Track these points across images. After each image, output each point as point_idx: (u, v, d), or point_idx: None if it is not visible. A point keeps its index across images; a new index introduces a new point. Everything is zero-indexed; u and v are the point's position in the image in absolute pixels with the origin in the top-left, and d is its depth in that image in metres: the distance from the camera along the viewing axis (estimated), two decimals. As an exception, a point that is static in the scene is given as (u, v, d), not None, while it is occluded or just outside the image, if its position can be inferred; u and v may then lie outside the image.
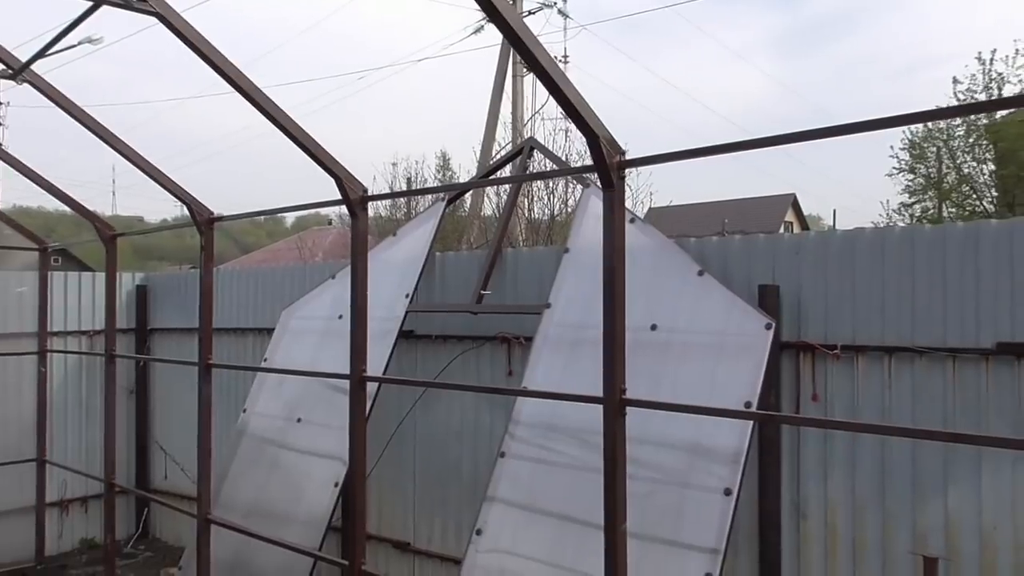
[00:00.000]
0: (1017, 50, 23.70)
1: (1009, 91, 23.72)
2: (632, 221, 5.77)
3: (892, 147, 25.81)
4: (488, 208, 19.58)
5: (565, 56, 23.43)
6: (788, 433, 4.98)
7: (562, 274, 5.88)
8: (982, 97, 23.83)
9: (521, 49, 2.99)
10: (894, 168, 25.56)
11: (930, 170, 25.34)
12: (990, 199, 24.30)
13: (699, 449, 4.75)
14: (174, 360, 9.19)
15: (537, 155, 7.20)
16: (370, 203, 5.22)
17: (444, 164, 28.73)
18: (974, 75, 24.21)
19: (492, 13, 2.86)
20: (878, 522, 4.61)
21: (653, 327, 5.27)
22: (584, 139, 3.51)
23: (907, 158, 25.30)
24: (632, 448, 4.99)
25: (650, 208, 56.51)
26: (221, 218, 6.44)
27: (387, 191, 21.57)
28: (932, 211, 25.12)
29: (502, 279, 6.46)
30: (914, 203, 25.37)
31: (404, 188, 21.68)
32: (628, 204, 4.17)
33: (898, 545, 4.54)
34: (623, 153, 3.57)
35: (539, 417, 5.49)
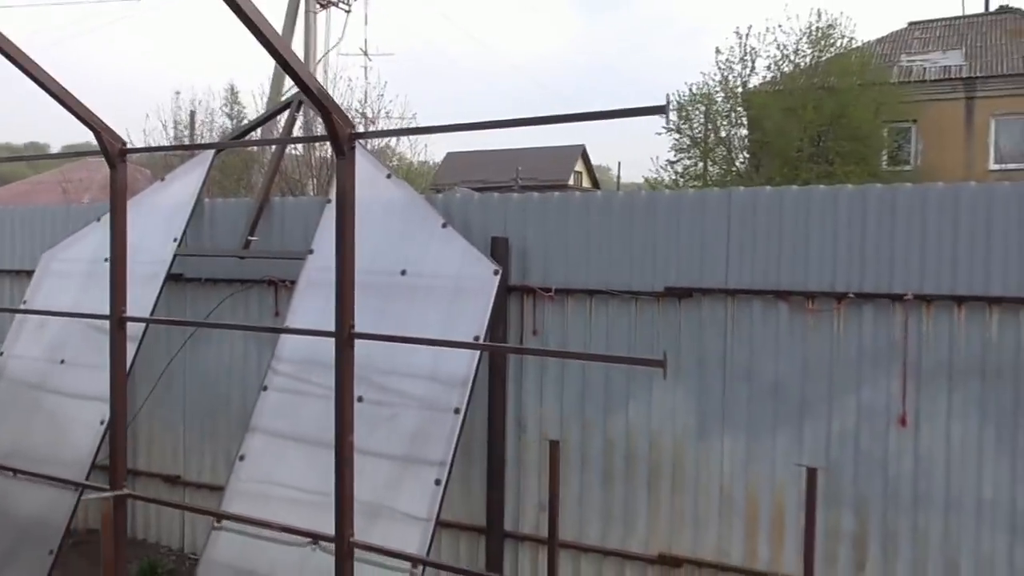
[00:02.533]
0: (767, 27, 26.23)
1: (760, 64, 26.44)
2: (389, 177, 6.44)
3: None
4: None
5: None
6: (514, 361, 5.88)
7: (324, 222, 6.43)
8: (738, 68, 26.38)
9: (252, 28, 3.43)
10: (663, 127, 27.74)
11: (695, 131, 27.68)
12: (742, 160, 27.02)
13: (437, 376, 5.54)
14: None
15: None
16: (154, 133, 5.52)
17: (233, 98, 27.79)
18: (732, 47, 26.71)
19: None
20: (579, 431, 5.63)
21: (403, 272, 5.98)
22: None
23: (675, 119, 27.49)
24: (382, 378, 5.76)
25: (448, 153, 56.94)
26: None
27: (170, 124, 21.20)
28: (693, 168, 27.55)
29: (270, 226, 6.92)
30: (678, 160, 27.72)
31: (188, 120, 21.34)
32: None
33: (594, 448, 5.58)
34: (353, 127, 4.20)
35: (299, 353, 6.08)
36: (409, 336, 5.01)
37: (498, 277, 5.61)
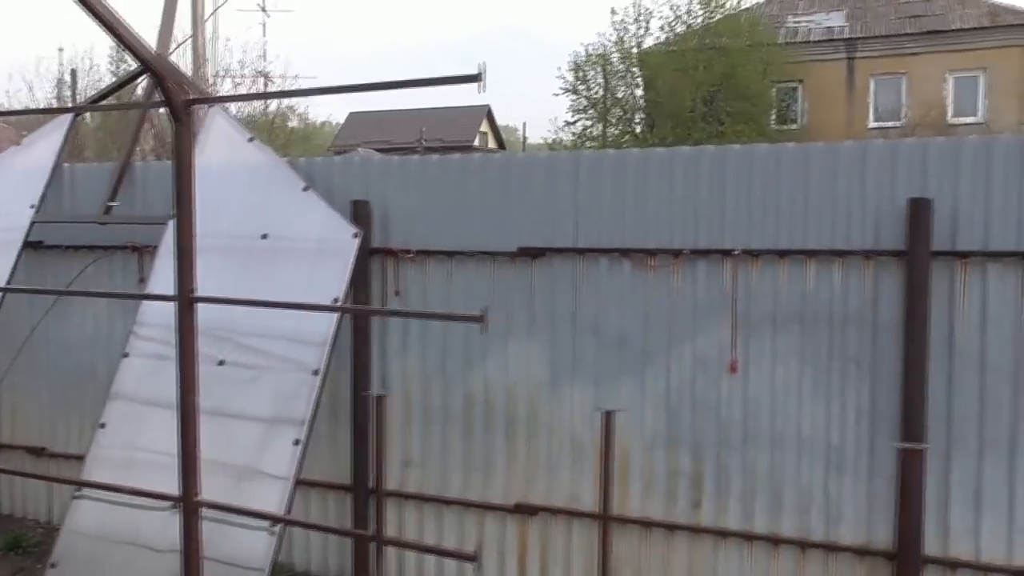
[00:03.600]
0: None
1: (655, 25, 26.92)
2: (251, 140, 6.45)
3: (559, 68, 28.21)
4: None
5: None
6: (378, 321, 6.02)
7: (187, 188, 6.39)
8: (633, 29, 26.81)
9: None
10: (560, 88, 28.01)
11: (591, 92, 28.04)
12: (638, 121, 27.57)
13: (299, 338, 5.64)
14: None
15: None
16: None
17: (120, 56, 26.72)
18: (627, 8, 27.12)
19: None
20: (441, 388, 5.83)
21: (264, 236, 6.02)
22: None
23: (572, 80, 27.80)
24: (246, 340, 5.82)
25: (351, 113, 55.71)
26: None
27: (51, 84, 20.49)
28: (591, 128, 27.97)
29: (133, 191, 6.83)
30: (576, 121, 28.10)
31: (70, 79, 20.59)
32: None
33: (455, 403, 5.80)
34: (188, 93, 4.21)
35: (161, 318, 6.06)
36: (255, 299, 5.07)
37: (358, 240, 5.71)
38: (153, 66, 3.98)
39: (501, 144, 59.69)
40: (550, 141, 29.02)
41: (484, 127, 56.83)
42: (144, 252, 6.73)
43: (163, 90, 4.09)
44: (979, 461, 4.77)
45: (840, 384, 4.99)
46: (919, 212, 4.72)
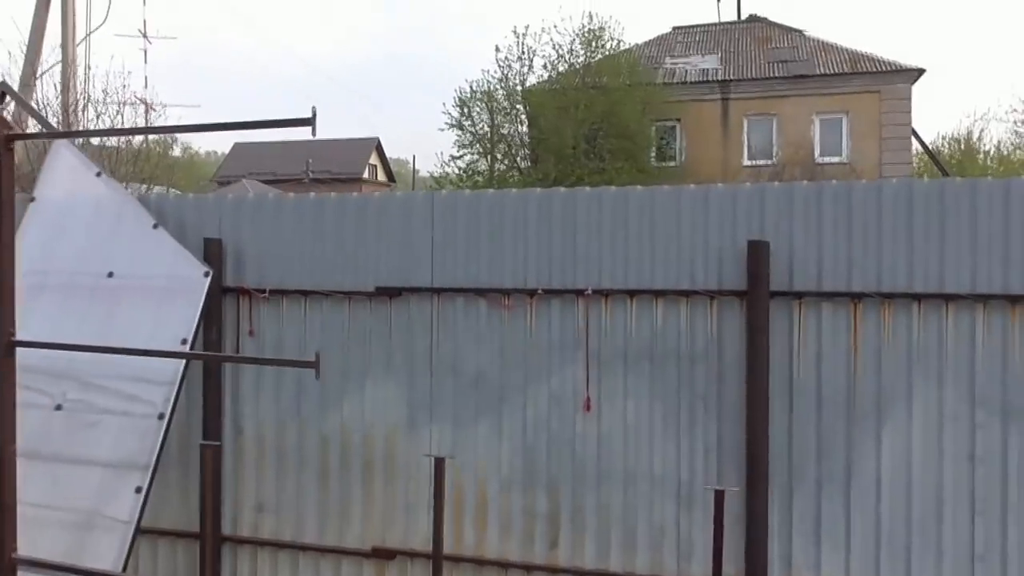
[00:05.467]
0: (543, 28, 27.26)
1: (538, 63, 27.42)
2: (99, 175, 6.19)
3: (444, 104, 28.41)
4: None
5: None
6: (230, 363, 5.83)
7: (27, 221, 6.08)
8: (517, 66, 27.26)
9: None
10: (446, 123, 28.14)
11: (477, 128, 28.27)
12: (523, 156, 27.94)
13: (144, 376, 5.39)
14: None
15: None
16: None
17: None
18: (510, 46, 27.53)
19: None
20: (295, 430, 5.69)
21: (110, 274, 5.76)
22: None
23: (457, 115, 27.97)
24: (88, 380, 5.54)
25: (235, 144, 54.44)
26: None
27: None
28: (477, 163, 28.16)
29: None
30: (462, 155, 28.24)
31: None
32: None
33: (310, 446, 5.65)
34: (10, 127, 4.01)
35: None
36: (87, 344, 4.84)
37: (208, 278, 5.54)
38: (-30, 99, 3.78)
39: (391, 176, 59.51)
40: (437, 175, 29.07)
41: (374, 159, 56.57)
42: (-19, 291, 6.34)
43: (-19, 125, 3.88)
44: (818, 493, 4.97)
45: (689, 421, 5.12)
46: (758, 254, 4.91)
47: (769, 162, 27.56)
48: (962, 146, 39.24)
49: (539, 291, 5.25)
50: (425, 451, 5.46)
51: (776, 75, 27.88)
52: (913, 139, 27.07)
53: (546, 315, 5.28)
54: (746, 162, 28.40)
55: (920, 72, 26.43)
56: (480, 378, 5.39)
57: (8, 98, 6.91)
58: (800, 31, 30.23)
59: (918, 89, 26.88)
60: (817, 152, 27.25)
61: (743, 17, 32.28)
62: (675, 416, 5.13)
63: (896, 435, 4.83)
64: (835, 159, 26.95)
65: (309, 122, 3.40)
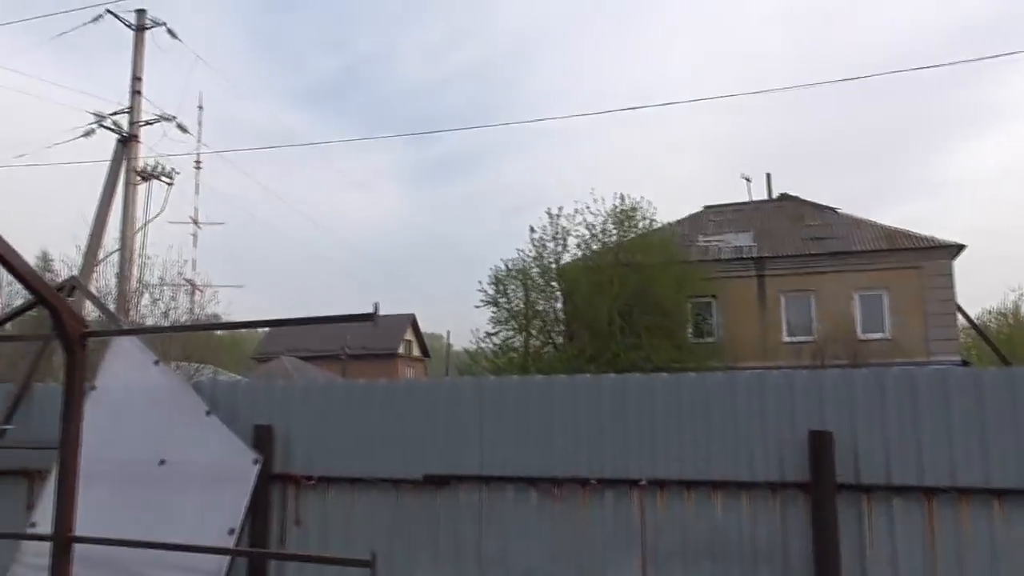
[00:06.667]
0: (576, 209, 28.07)
1: (572, 243, 28.08)
2: (157, 363, 6.32)
3: (480, 281, 29.01)
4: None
5: (197, 163, 23.18)
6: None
7: (87, 410, 6.16)
8: (551, 245, 27.95)
9: None
10: (482, 301, 28.59)
11: (512, 304, 28.67)
12: (558, 331, 28.12)
13: (189, 566, 5.29)
14: None
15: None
16: None
17: (45, 265, 26.62)
18: (544, 226, 28.34)
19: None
20: (339, 628, 5.45)
21: (162, 462, 5.79)
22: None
23: (492, 292, 28.48)
24: (135, 568, 5.44)
25: (270, 331, 55.07)
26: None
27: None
28: (512, 339, 28.32)
29: (30, 413, 6.57)
30: (498, 331, 28.47)
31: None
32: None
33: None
34: (86, 325, 4.16)
35: (45, 548, 5.65)
36: (137, 540, 4.80)
37: (258, 466, 5.53)
38: (47, 298, 3.94)
39: (425, 351, 60.04)
40: (472, 351, 29.22)
41: (409, 335, 57.32)
42: (35, 477, 6.38)
43: (56, 323, 4.03)
44: None
45: (755, 623, 4.84)
46: (821, 444, 4.79)
47: (809, 338, 27.34)
48: (1010, 320, 38.88)
49: (592, 481, 5.13)
50: (474, 652, 5.20)
51: (812, 252, 28.17)
52: (958, 313, 26.83)
53: (599, 506, 5.14)
54: (785, 338, 28.21)
55: (960, 248, 26.46)
56: (530, 573, 5.19)
57: (77, 291, 7.21)
58: (833, 208, 30.80)
59: (959, 264, 26.90)
60: (859, 328, 27.03)
61: (774, 196, 33.09)
62: (738, 617, 4.85)
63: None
64: (877, 335, 26.67)
65: (370, 317, 3.51)
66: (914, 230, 27.74)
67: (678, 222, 31.61)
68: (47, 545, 5.82)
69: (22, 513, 6.38)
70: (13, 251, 3.66)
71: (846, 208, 30.76)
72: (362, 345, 49.23)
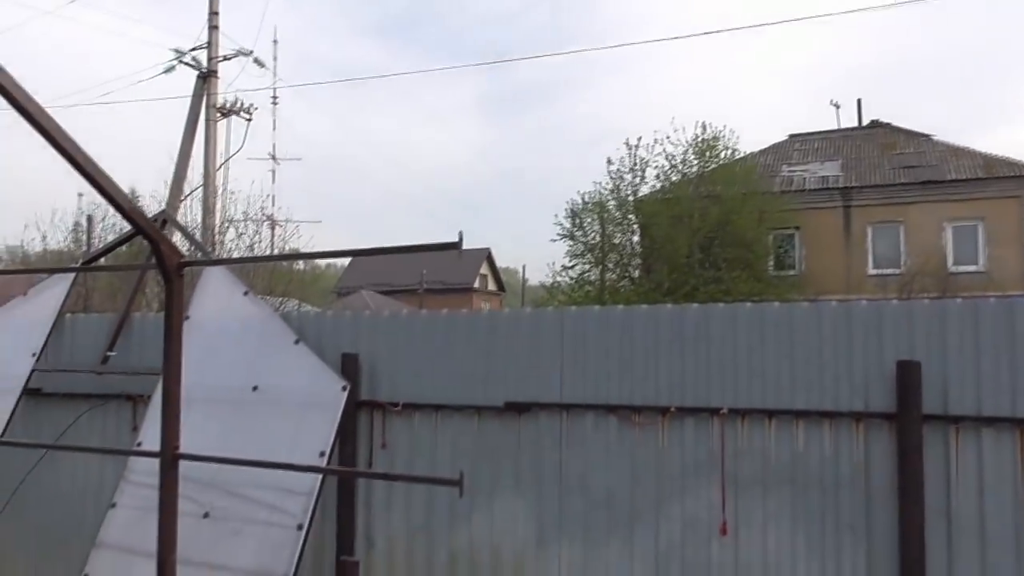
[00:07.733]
0: (656, 139, 27.57)
1: (650, 174, 27.62)
2: (246, 294, 6.56)
3: (556, 215, 28.86)
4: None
5: (275, 98, 23.62)
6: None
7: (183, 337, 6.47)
8: (629, 177, 27.55)
9: (66, 156, 3.55)
10: (558, 234, 28.52)
11: (588, 238, 28.51)
12: (635, 265, 27.93)
13: (284, 486, 5.56)
14: None
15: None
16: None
17: (134, 200, 27.59)
18: (622, 158, 27.92)
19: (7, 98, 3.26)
20: (425, 544, 5.69)
21: (255, 388, 6.04)
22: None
23: (569, 226, 28.35)
24: (232, 489, 5.75)
25: (350, 265, 55.95)
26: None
27: (71, 227, 20.95)
28: (588, 273, 28.25)
29: (130, 342, 6.91)
30: (574, 265, 28.43)
31: (86, 225, 21.06)
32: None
33: (439, 560, 5.64)
34: (181, 255, 4.33)
35: (151, 465, 5.99)
36: (238, 458, 5.05)
37: (346, 393, 5.72)
38: (146, 231, 4.11)
39: (501, 286, 60.46)
40: (548, 284, 29.32)
41: (484, 269, 57.75)
42: (138, 401, 6.74)
43: (155, 253, 4.21)
44: (981, 633, 4.58)
45: (835, 550, 4.85)
46: (908, 375, 4.71)
47: (897, 271, 26.51)
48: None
49: (672, 408, 5.17)
50: (554, 570, 5.36)
51: (902, 181, 27.14)
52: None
53: (679, 433, 5.18)
54: (871, 271, 27.46)
55: (1067, 174, 25.16)
56: (611, 497, 5.30)
57: (168, 224, 7.48)
58: (927, 136, 29.45)
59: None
60: (950, 261, 26.08)
61: (865, 123, 31.82)
62: (819, 544, 4.88)
63: (1069, 573, 4.45)
64: (970, 268, 25.72)
65: (456, 246, 3.54)
66: (1016, 157, 26.21)
67: (761, 152, 30.81)
68: (154, 464, 6.21)
69: (128, 434, 6.78)
70: (117, 187, 3.81)
71: (944, 135, 29.28)
72: (439, 279, 49.88)
